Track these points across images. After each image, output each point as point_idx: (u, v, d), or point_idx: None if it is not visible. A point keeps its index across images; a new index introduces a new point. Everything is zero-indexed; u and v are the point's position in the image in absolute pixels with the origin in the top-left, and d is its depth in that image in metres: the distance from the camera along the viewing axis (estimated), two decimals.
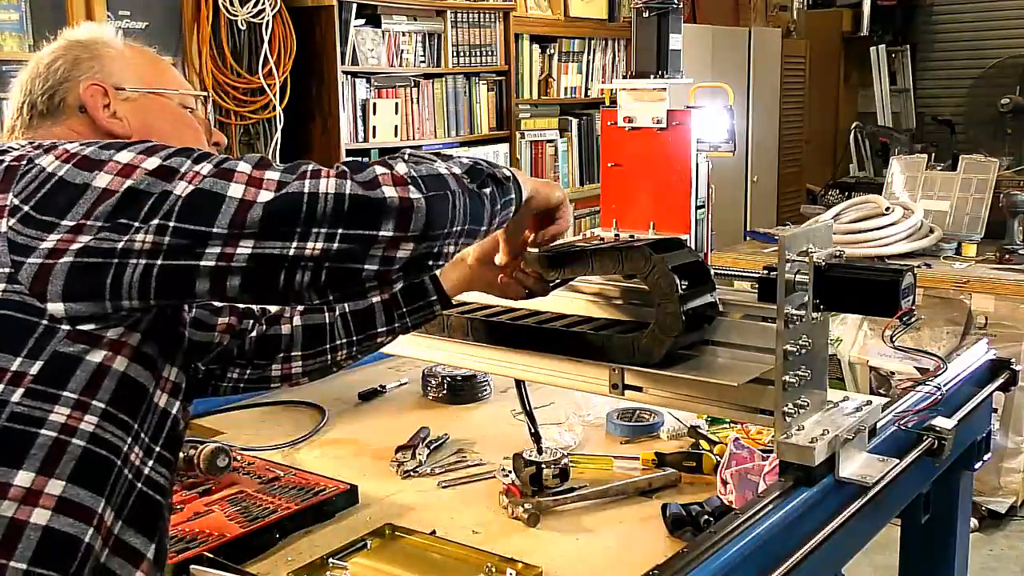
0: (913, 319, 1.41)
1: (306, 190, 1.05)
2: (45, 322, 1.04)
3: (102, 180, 1.05)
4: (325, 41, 4.29)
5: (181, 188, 1.04)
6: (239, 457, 1.78)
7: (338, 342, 1.51)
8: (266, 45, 4.14)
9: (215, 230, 1.03)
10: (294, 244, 1.05)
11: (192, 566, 1.42)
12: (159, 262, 1.03)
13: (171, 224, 1.03)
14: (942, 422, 1.61)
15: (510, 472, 1.71)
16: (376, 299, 1.53)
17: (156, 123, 1.30)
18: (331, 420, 2.08)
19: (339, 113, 4.31)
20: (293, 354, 1.50)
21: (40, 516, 1.01)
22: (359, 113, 4.48)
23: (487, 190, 1.20)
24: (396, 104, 4.62)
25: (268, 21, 4.12)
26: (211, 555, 1.44)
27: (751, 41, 6.62)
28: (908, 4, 7.58)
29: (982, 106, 6.59)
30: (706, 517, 1.48)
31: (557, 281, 1.68)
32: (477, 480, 1.75)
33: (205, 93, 1.40)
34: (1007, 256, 3.91)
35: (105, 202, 1.03)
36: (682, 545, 1.32)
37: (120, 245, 1.03)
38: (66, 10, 3.44)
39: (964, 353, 1.94)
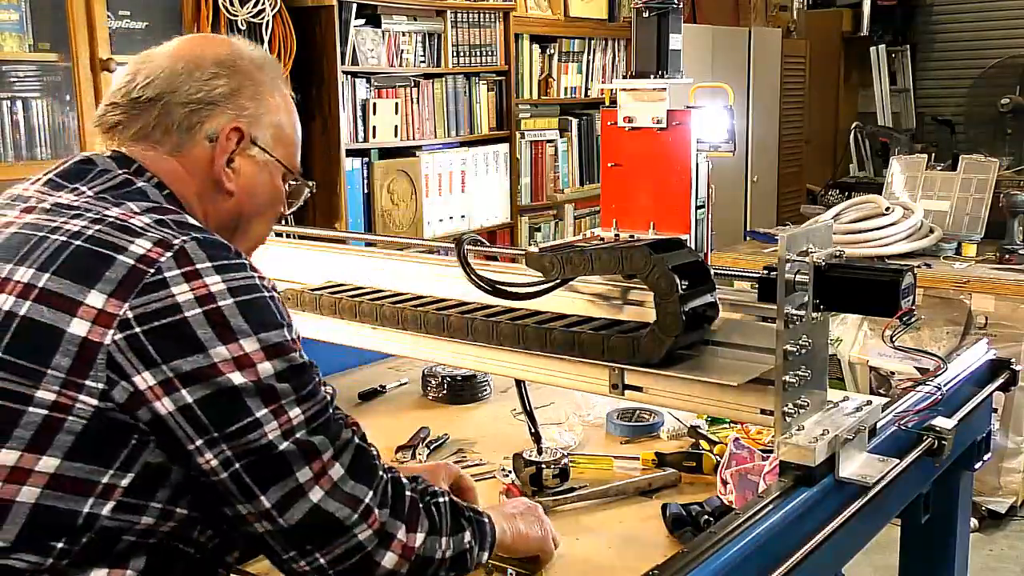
0: (913, 319, 1.41)
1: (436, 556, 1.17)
2: (136, 437, 1.03)
3: (237, 378, 1.03)
4: (325, 41, 4.29)
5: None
6: None
7: None
8: (266, 45, 4.13)
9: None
10: None
11: None
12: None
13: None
14: (942, 422, 1.61)
15: (510, 472, 1.71)
16: None
17: (259, 193, 1.25)
18: None
19: (339, 113, 4.31)
20: None
21: None
22: (359, 113, 4.48)
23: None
24: (396, 104, 4.62)
25: (268, 21, 4.12)
26: None
27: (751, 41, 6.62)
28: (908, 4, 7.58)
29: (982, 106, 6.58)
30: (706, 517, 1.48)
31: (557, 281, 1.68)
32: (477, 480, 1.74)
33: (312, 183, 1.36)
34: (1007, 256, 3.91)
35: (232, 403, 1.03)
36: (682, 545, 1.32)
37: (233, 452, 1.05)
38: (66, 10, 3.43)
39: (964, 353, 1.94)
